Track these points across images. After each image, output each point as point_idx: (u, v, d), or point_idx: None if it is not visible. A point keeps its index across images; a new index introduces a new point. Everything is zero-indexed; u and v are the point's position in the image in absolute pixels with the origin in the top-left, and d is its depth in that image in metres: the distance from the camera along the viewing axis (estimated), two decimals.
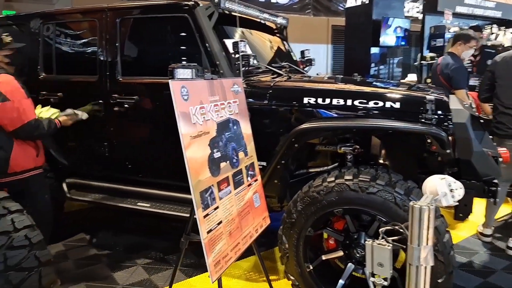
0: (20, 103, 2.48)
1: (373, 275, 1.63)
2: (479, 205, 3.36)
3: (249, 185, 2.47)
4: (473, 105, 3.63)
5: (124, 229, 3.85)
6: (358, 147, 2.56)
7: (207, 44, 2.76)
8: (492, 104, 3.47)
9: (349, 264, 2.42)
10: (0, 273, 1.68)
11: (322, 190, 2.30)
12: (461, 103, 2.61)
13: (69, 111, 2.89)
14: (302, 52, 4.01)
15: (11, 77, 2.54)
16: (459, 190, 1.55)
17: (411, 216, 1.44)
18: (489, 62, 3.90)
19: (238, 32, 3.20)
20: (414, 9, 10.95)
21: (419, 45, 7.56)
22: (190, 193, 1.90)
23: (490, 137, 2.93)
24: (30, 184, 2.62)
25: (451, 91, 3.55)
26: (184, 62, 2.22)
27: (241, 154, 2.41)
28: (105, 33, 3.10)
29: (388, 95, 2.49)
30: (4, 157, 2.50)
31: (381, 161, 2.87)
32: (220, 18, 2.89)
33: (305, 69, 3.94)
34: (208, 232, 1.95)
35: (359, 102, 2.45)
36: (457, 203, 1.69)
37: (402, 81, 6.89)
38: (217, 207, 2.07)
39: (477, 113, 3.38)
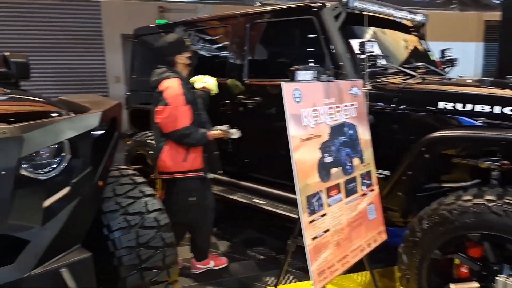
0: (176, 109, 2.59)
1: None
2: None
3: (364, 194, 2.30)
4: None
5: (240, 223, 4.01)
6: (507, 162, 2.15)
7: (331, 45, 2.67)
8: None
9: None
10: (133, 248, 1.89)
11: (455, 210, 2.00)
12: None
13: (223, 127, 2.85)
14: (442, 52, 3.58)
15: (177, 83, 2.63)
16: None
17: None
18: None
19: (368, 31, 3.02)
20: None
21: None
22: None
23: None
24: (171, 185, 2.77)
25: None
26: (310, 64, 2.18)
27: (356, 161, 2.26)
28: (236, 37, 3.28)
29: None
30: (156, 156, 2.76)
31: None
32: (349, 17, 2.76)
33: (446, 70, 3.51)
34: (313, 239, 1.88)
35: (511, 110, 2.06)
36: None
37: None
38: (324, 214, 1.99)
39: None
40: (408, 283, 2.24)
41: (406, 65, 3.03)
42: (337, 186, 2.11)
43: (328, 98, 2.15)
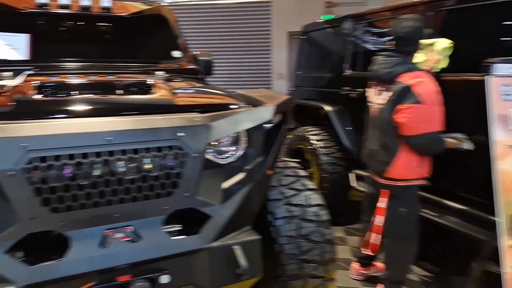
0: (431, 109, 2.22)
1: None
2: None
3: None
4: None
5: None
6: None
7: None
8: None
9: None
10: (294, 238, 1.96)
11: None
12: None
13: (459, 135, 2.37)
14: None
15: (429, 78, 2.30)
16: None
17: None
18: None
19: None
20: None
21: None
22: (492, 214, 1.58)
23: None
24: (395, 192, 2.45)
25: None
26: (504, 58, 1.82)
27: None
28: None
29: None
30: (385, 159, 2.41)
31: None
32: None
33: None
34: None
35: None
36: None
37: None
38: None
39: None
40: None
41: None
42: None
43: None
